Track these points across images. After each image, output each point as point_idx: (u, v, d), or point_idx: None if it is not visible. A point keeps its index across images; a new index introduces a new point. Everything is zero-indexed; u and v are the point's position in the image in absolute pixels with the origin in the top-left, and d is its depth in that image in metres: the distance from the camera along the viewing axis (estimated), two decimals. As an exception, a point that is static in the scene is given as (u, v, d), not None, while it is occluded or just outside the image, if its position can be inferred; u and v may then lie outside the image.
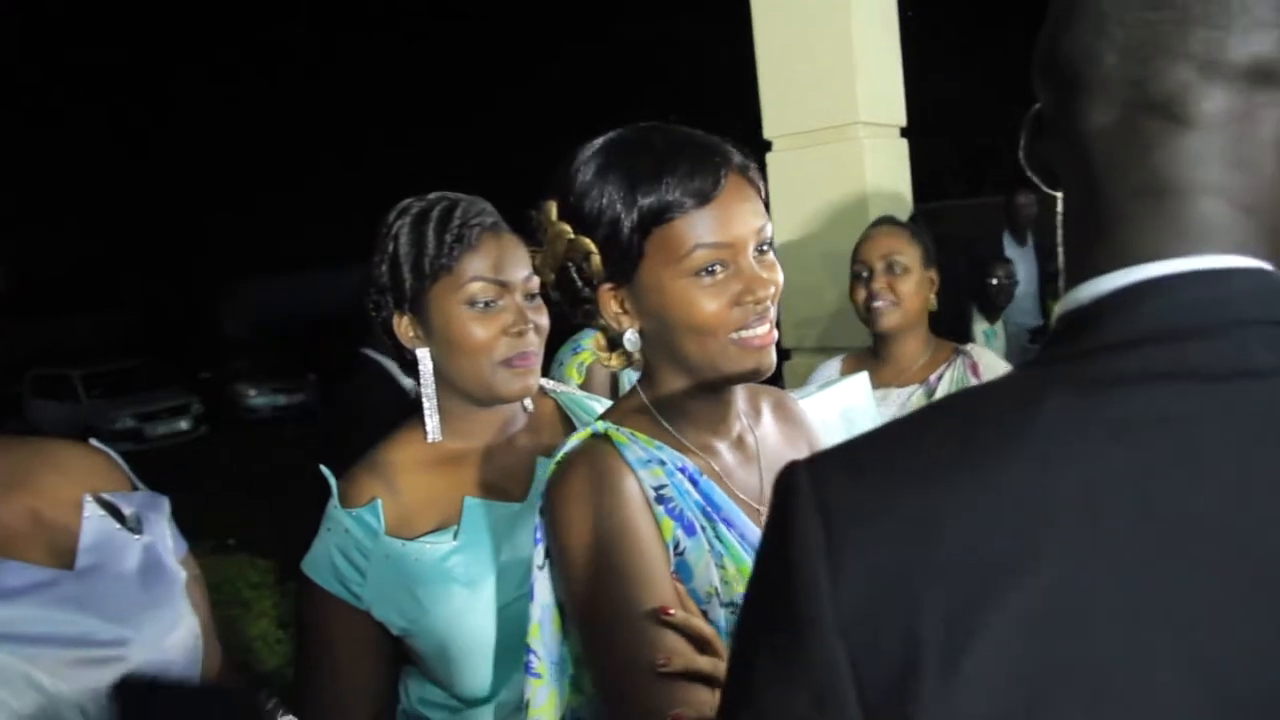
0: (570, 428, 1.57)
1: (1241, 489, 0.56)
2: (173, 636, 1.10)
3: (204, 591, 1.26)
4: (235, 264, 24.29)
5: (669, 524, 1.14)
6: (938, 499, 0.58)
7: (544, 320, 1.48)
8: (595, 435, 1.20)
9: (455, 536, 1.42)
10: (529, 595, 1.21)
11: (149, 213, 24.83)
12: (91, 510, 1.13)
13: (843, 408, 1.83)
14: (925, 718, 0.54)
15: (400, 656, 1.47)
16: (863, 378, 2.04)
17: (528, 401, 1.56)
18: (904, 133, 3.31)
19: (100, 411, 15.35)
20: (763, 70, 3.22)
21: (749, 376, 1.18)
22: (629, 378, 2.10)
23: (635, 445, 1.18)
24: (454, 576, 1.40)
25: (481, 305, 1.43)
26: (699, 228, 1.12)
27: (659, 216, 1.12)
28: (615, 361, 1.25)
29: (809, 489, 0.61)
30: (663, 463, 1.18)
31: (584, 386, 2.09)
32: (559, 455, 1.20)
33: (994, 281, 4.53)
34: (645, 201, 1.12)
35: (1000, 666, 0.54)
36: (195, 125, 26.14)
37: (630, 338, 1.19)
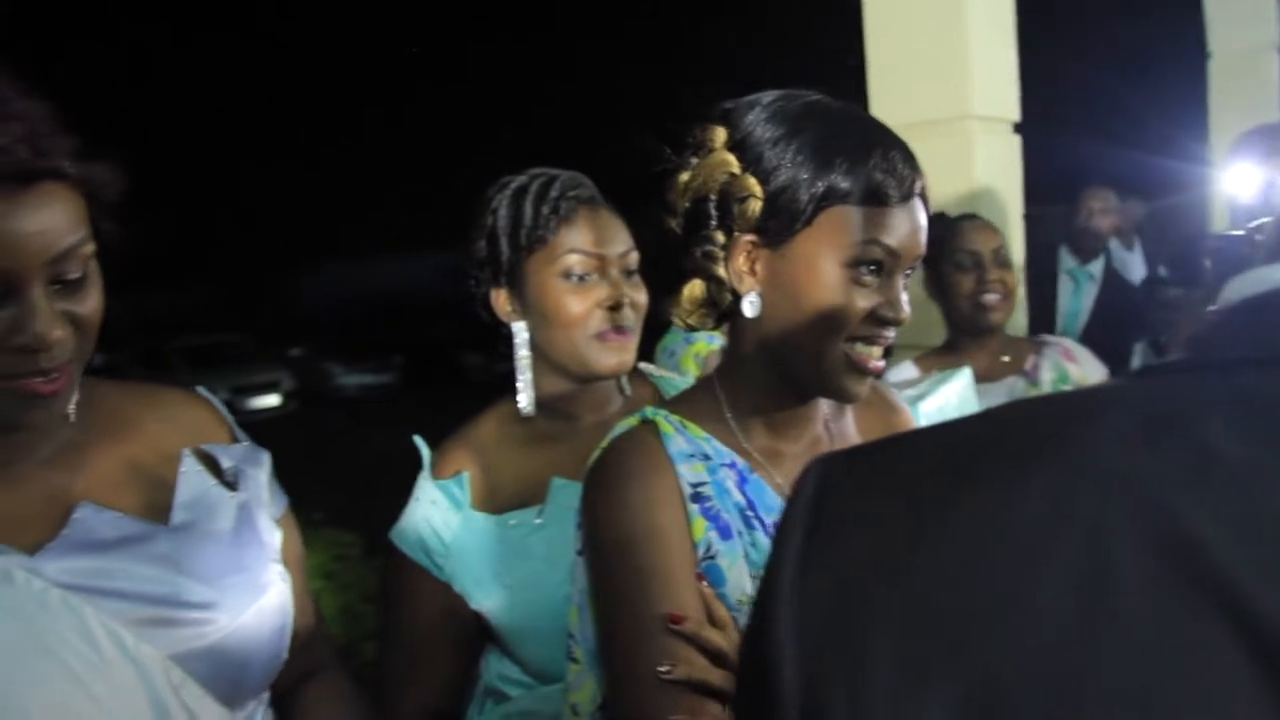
0: None
1: None
2: (261, 603, 1.08)
3: (300, 551, 1.25)
4: (325, 245, 24.84)
5: (701, 524, 1.09)
6: (923, 521, 0.50)
7: (642, 297, 1.45)
8: (644, 421, 1.15)
9: (540, 515, 1.41)
10: (572, 579, 1.18)
11: (243, 191, 25.49)
12: (189, 465, 1.11)
13: (957, 404, 1.78)
14: None
15: (484, 632, 1.46)
16: (966, 374, 1.98)
17: (625, 384, 1.54)
18: (1017, 128, 3.20)
19: (194, 384, 15.78)
20: (871, 57, 3.13)
21: (846, 396, 1.11)
22: None
23: (681, 436, 1.13)
24: (536, 555, 1.39)
25: (577, 278, 1.41)
26: (878, 223, 1.06)
27: (848, 195, 1.05)
28: (694, 319, 1.18)
29: (815, 481, 0.56)
30: (707, 457, 1.12)
31: None
32: (606, 439, 1.16)
33: (1156, 303, 4.28)
34: (843, 173, 1.05)
35: None
36: (291, 107, 26.75)
37: (753, 299, 1.10)
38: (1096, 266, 4.46)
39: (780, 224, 1.07)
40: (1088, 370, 2.29)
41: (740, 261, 1.10)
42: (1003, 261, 2.27)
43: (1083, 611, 0.44)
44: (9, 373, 0.92)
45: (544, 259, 1.42)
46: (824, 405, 1.21)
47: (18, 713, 0.90)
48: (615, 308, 1.41)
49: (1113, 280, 4.49)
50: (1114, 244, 6.00)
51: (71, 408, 1.05)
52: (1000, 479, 0.50)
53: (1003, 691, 0.45)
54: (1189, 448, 0.47)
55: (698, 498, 1.09)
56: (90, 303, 0.97)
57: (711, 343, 2.13)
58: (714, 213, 1.11)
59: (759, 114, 1.10)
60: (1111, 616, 0.44)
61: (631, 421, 1.16)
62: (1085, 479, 0.47)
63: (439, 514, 1.41)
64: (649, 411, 1.16)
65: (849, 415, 1.27)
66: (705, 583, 1.07)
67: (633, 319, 1.44)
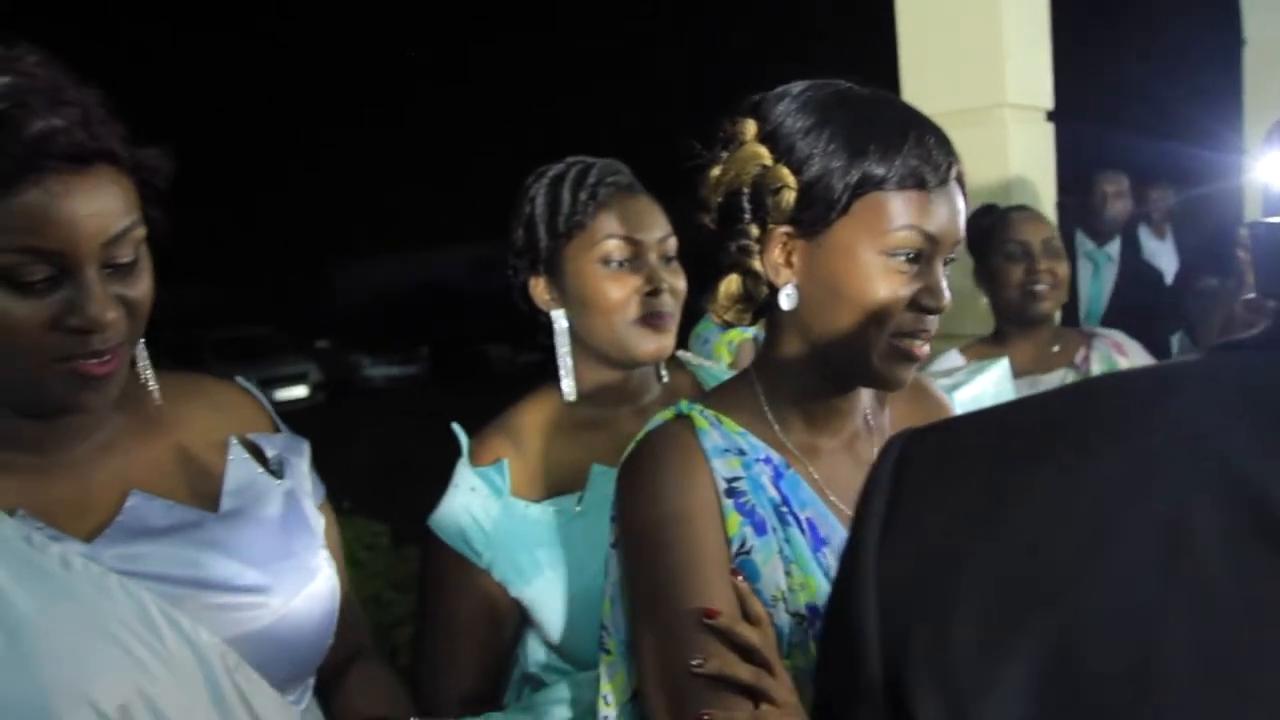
0: None
1: None
2: (311, 587, 1.09)
3: (338, 538, 1.26)
4: (351, 239, 24.99)
5: (736, 519, 1.08)
6: (1005, 487, 0.53)
7: (681, 284, 1.45)
8: (679, 415, 1.15)
9: (580, 502, 1.41)
10: (605, 571, 1.19)
11: (271, 187, 25.66)
12: (236, 453, 1.13)
13: (993, 394, 1.77)
14: (937, 713, 0.50)
15: (522, 619, 1.46)
16: (1004, 364, 1.97)
17: (664, 372, 1.54)
18: (1050, 116, 3.18)
19: (226, 376, 15.91)
20: (904, 46, 3.11)
21: (891, 384, 1.10)
22: None
23: (716, 431, 1.12)
24: (576, 542, 1.39)
25: (615, 264, 1.42)
26: (916, 208, 1.04)
27: (884, 181, 1.03)
28: (731, 315, 1.17)
29: (899, 451, 0.59)
30: (742, 452, 1.11)
31: (734, 366, 2.05)
32: (641, 433, 1.16)
33: (1191, 294, 4.24)
34: (877, 159, 1.03)
35: (1027, 692, 0.48)
36: (321, 103, 26.88)
37: (789, 292, 1.09)
38: (1113, 248, 4.45)
39: (816, 214, 1.06)
40: (1137, 363, 2.27)
41: (776, 254, 1.09)
42: (1053, 252, 2.26)
43: (1159, 567, 0.46)
44: (64, 354, 0.93)
45: (582, 245, 1.42)
46: (864, 399, 1.20)
47: (81, 695, 0.91)
48: (654, 293, 1.41)
49: (1132, 263, 4.47)
50: (1144, 232, 5.94)
51: (154, 390, 1.06)
52: (1082, 445, 0.52)
53: (1080, 644, 0.47)
54: (1263, 417, 0.49)
55: (732, 493, 1.09)
56: (141, 287, 0.98)
57: (745, 331, 2.12)
58: (747, 206, 1.09)
59: (789, 104, 1.09)
60: (1186, 572, 0.46)
61: (666, 415, 1.16)
62: (1165, 444, 0.49)
63: (479, 501, 1.41)
64: (684, 406, 1.16)
65: (889, 410, 1.26)
66: (741, 578, 1.07)
67: (672, 304, 1.43)
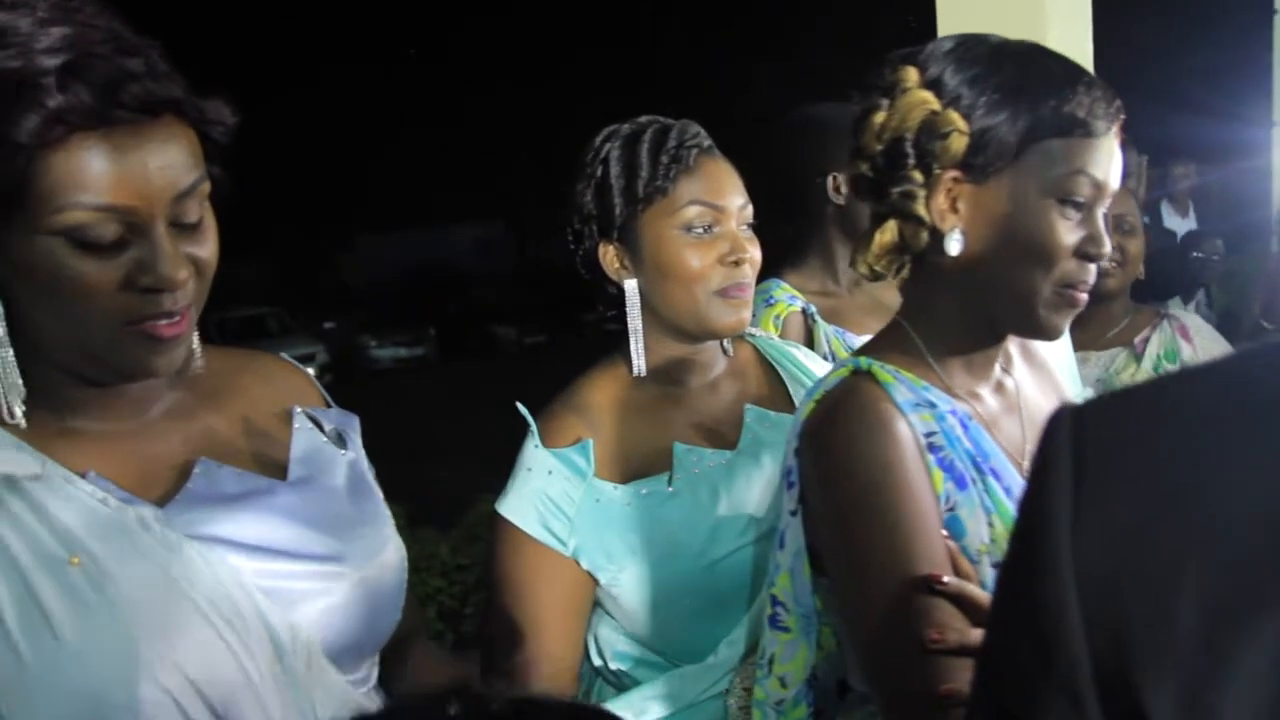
0: (773, 374, 1.48)
1: None
2: (382, 556, 1.07)
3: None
4: (358, 220, 24.98)
5: (939, 475, 1.06)
6: (1206, 456, 0.51)
7: (758, 254, 1.38)
8: (857, 371, 1.11)
9: (670, 483, 1.34)
10: (779, 542, 1.15)
11: (279, 166, 25.65)
12: (301, 422, 1.10)
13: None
14: (1168, 702, 0.47)
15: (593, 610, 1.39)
16: (1064, 338, 1.93)
17: (728, 345, 1.47)
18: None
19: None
20: (943, 15, 3.05)
21: (1052, 333, 1.10)
22: (825, 333, 1.98)
23: (902, 385, 1.09)
24: (670, 525, 1.32)
25: (698, 231, 1.34)
26: (1085, 156, 1.05)
27: (1055, 128, 1.04)
28: (881, 265, 1.14)
29: (1070, 431, 0.56)
30: (933, 405, 1.08)
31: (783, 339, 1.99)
32: (816, 393, 1.12)
33: (1198, 255, 4.22)
34: (1050, 107, 1.04)
35: (1269, 674, 0.46)
36: (322, 86, 26.80)
37: (957, 237, 1.08)
38: None
39: (987, 159, 1.06)
40: (1202, 350, 2.24)
41: (941, 199, 1.08)
42: (1124, 228, 2.24)
43: None
44: (135, 315, 0.90)
45: (662, 211, 1.34)
46: (1001, 348, 1.19)
47: (162, 652, 0.89)
48: (736, 263, 1.34)
49: (1154, 237, 4.48)
50: (1166, 209, 5.89)
51: (198, 360, 1.03)
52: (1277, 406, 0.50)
53: None
54: None
55: (932, 448, 1.06)
56: (209, 246, 0.95)
57: (792, 304, 2.06)
58: (911, 151, 1.08)
59: (948, 55, 1.09)
60: None
61: (841, 372, 1.12)
62: None
63: (558, 485, 1.33)
64: (862, 362, 1.12)
65: (1016, 358, 1.24)
66: (946, 535, 1.05)
67: (751, 276, 1.37)
